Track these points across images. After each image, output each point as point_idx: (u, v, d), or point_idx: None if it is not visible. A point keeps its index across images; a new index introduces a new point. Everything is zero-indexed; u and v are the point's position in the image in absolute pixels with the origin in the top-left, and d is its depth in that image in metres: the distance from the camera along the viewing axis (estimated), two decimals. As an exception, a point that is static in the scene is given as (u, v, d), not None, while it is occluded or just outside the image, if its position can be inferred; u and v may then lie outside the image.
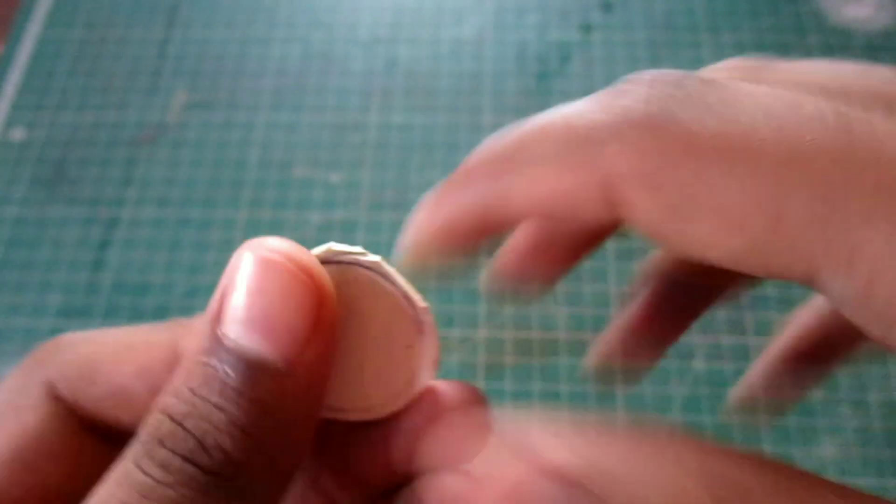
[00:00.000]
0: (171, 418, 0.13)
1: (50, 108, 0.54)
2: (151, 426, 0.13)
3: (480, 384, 0.43)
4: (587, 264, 0.46)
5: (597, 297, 0.45)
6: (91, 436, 0.16)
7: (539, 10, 0.57)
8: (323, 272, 0.14)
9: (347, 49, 0.56)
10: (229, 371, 0.13)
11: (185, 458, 0.13)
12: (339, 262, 0.16)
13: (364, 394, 0.17)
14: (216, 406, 0.13)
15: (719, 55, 0.54)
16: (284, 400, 0.13)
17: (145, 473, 0.13)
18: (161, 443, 0.13)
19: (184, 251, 0.48)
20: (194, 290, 0.47)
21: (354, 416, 0.17)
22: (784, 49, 0.54)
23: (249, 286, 0.14)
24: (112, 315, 0.46)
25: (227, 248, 0.48)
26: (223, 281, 0.14)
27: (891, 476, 0.40)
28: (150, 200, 0.50)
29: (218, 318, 0.13)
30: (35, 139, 0.53)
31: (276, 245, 0.14)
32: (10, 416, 0.16)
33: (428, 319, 0.16)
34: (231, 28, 0.57)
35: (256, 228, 0.48)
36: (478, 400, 0.16)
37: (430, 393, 0.17)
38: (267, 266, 0.14)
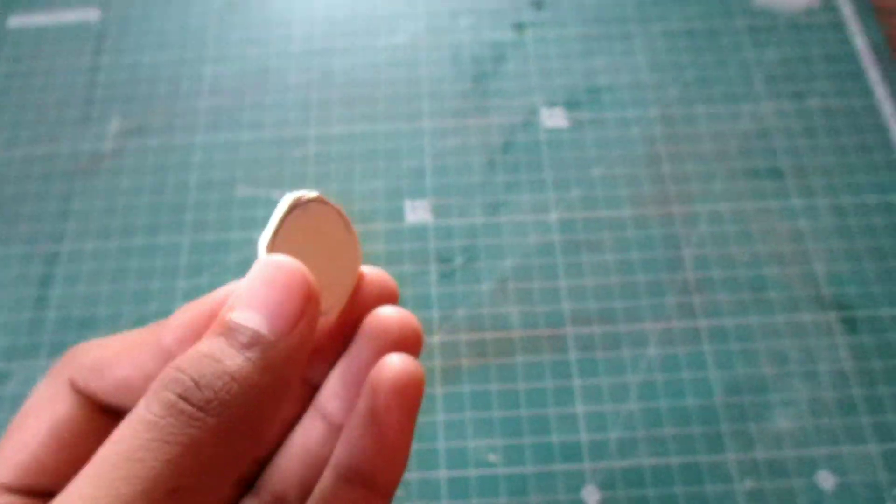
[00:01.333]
0: (178, 369, 0.17)
1: (-24, 146, 0.53)
2: (161, 377, 0.17)
3: (438, 389, 0.43)
4: (536, 261, 0.47)
5: (547, 294, 0.46)
6: (111, 418, 0.20)
7: (471, 12, 0.57)
8: (314, 280, 0.19)
9: (282, 63, 0.55)
10: (232, 340, 0.17)
11: (180, 396, 0.16)
12: (301, 205, 0.21)
13: (324, 299, 0.21)
14: (216, 359, 0.17)
15: (651, 45, 0.55)
16: (270, 363, 0.17)
17: (147, 410, 0.16)
18: (165, 386, 0.16)
19: (128, 280, 0.47)
20: (142, 318, 0.46)
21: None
22: (713, 34, 0.55)
23: (257, 278, 0.18)
24: (58, 352, 0.45)
25: (173, 275, 0.47)
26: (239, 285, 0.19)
27: (845, 443, 0.41)
28: (91, 232, 0.49)
29: (229, 306, 0.18)
30: (-37, 178, 0.51)
31: (286, 257, 0.19)
32: (45, 407, 0.20)
33: (350, 221, 0.23)
34: (162, 50, 0.56)
35: (201, 251, 0.48)
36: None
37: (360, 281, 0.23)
38: (275, 266, 0.19)
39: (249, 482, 0.23)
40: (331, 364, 0.23)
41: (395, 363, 0.21)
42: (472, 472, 0.41)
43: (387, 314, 0.22)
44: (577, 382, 0.43)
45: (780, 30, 0.54)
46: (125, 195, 0.50)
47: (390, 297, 0.23)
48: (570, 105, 0.52)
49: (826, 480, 0.40)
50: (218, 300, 0.20)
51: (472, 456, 0.41)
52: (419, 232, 0.48)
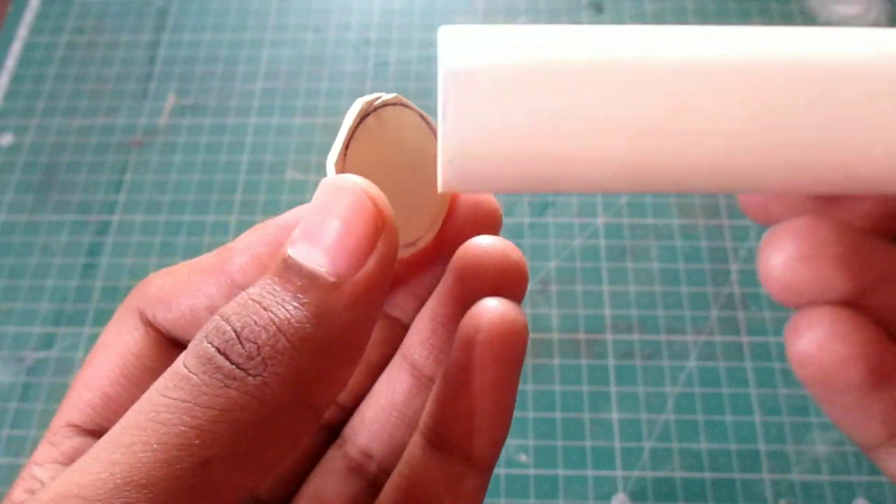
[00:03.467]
0: (222, 316, 0.14)
1: (38, 113, 0.54)
2: (205, 327, 0.15)
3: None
4: (580, 264, 0.46)
5: (589, 298, 0.45)
6: (181, 351, 0.18)
7: (529, 11, 0.57)
8: (387, 205, 0.15)
9: (338, 51, 0.56)
10: (286, 282, 0.14)
11: (219, 350, 0.14)
12: (375, 109, 0.18)
13: (410, 228, 0.18)
14: (263, 306, 0.14)
15: (709, 54, 0.54)
16: (327, 310, 0.14)
17: (183, 362, 0.14)
18: (206, 336, 0.14)
19: (175, 256, 0.48)
20: (186, 294, 0.46)
21: (409, 251, 0.19)
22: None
23: (318, 205, 0.15)
24: (103, 321, 0.45)
25: (219, 252, 0.48)
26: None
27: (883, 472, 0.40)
28: (141, 205, 0.50)
29: (291, 239, 0.15)
30: (23, 144, 0.52)
31: (346, 176, 0.15)
32: (115, 340, 0.19)
33: (434, 124, 0.19)
34: (221, 31, 0.57)
35: (248, 232, 0.48)
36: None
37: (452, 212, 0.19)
38: (336, 189, 0.15)
39: (336, 428, 0.21)
40: (422, 300, 0.20)
41: (493, 309, 0.17)
42: (503, 471, 0.41)
43: (483, 246, 0.18)
44: (613, 389, 0.43)
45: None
46: (177, 171, 0.51)
47: (490, 224, 0.19)
48: (624, 110, 0.52)
49: (864, 508, 0.39)
50: (289, 223, 0.17)
51: (503, 455, 0.41)
52: (464, 227, 0.48)
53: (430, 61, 0.55)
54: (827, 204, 0.15)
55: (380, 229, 0.15)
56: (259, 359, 0.14)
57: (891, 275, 0.14)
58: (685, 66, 0.14)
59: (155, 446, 0.13)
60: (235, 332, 0.14)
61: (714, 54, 0.14)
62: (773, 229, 0.14)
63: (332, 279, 0.14)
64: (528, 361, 0.44)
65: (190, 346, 0.14)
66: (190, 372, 0.14)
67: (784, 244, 0.14)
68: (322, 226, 0.15)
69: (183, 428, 0.13)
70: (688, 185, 0.14)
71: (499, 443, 0.18)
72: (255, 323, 0.14)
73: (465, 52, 0.14)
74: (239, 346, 0.14)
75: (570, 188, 0.15)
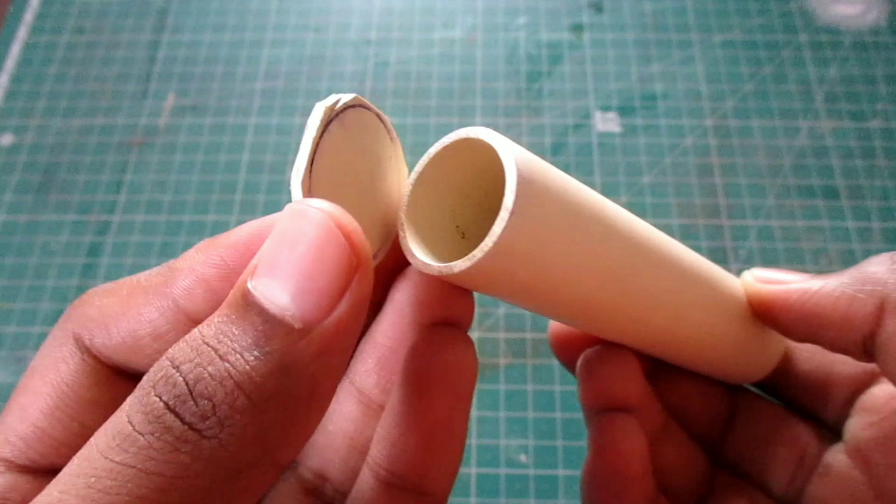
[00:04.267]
0: (172, 363, 0.12)
1: (38, 113, 0.54)
2: (152, 371, 0.13)
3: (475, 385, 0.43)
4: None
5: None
6: (124, 380, 0.17)
7: (529, 11, 0.57)
8: (363, 239, 0.13)
9: (338, 51, 0.56)
10: (247, 324, 0.12)
11: (169, 407, 0.12)
12: (338, 115, 0.16)
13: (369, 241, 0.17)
14: (219, 354, 0.12)
15: (709, 55, 0.54)
16: (293, 362, 0.12)
17: (129, 421, 0.12)
18: (154, 388, 0.12)
19: (175, 255, 0.48)
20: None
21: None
22: (774, 47, 0.54)
23: (283, 235, 0.13)
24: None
25: (219, 252, 0.48)
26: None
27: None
28: (141, 205, 0.50)
29: (251, 270, 0.13)
30: (23, 144, 0.52)
31: (317, 202, 0.13)
32: (50, 368, 0.17)
33: (393, 129, 0.18)
34: (221, 31, 0.57)
35: (248, 232, 0.48)
36: None
37: None
38: (303, 218, 0.13)
39: None
40: (367, 322, 0.18)
41: (441, 340, 0.16)
42: (503, 471, 0.41)
43: (426, 271, 0.16)
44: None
45: (845, 47, 0.53)
46: (177, 171, 0.51)
47: None
48: (624, 110, 0.52)
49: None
50: (238, 242, 0.15)
51: (503, 455, 0.41)
52: (464, 227, 0.48)
53: (430, 61, 0.55)
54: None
55: (354, 268, 0.13)
56: (214, 418, 0.12)
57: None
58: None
59: None
60: (188, 385, 0.12)
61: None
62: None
63: (298, 325, 0.12)
64: (528, 361, 0.44)
65: (135, 397, 0.13)
66: (136, 431, 0.12)
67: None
68: (288, 260, 0.13)
69: (128, 498, 0.11)
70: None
71: (453, 475, 0.17)
72: (211, 376, 0.12)
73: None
74: (192, 402, 0.12)
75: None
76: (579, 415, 0.42)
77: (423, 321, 0.17)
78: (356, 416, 0.18)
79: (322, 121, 0.15)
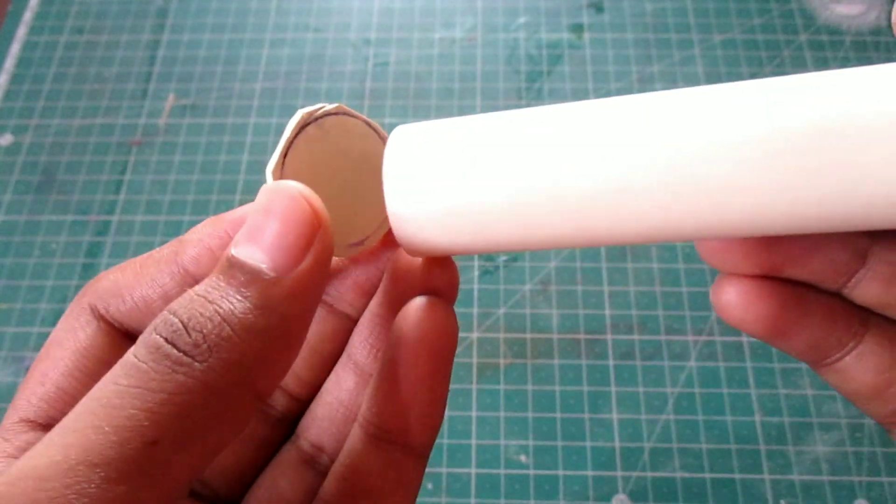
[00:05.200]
0: (169, 310, 0.15)
1: (38, 113, 0.54)
2: (155, 321, 0.15)
3: (474, 385, 0.43)
4: (580, 264, 0.46)
5: (589, 298, 0.45)
6: (133, 343, 0.19)
7: (529, 11, 0.57)
8: (322, 207, 0.17)
9: (338, 51, 0.56)
10: (230, 278, 0.16)
11: (167, 340, 0.15)
12: (316, 119, 0.19)
13: (356, 228, 0.20)
14: (209, 300, 0.15)
15: (710, 55, 0.54)
16: (269, 302, 0.15)
17: (133, 353, 0.15)
18: (154, 329, 0.15)
19: (175, 256, 0.48)
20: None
21: (353, 251, 0.20)
22: (775, 47, 0.54)
23: (258, 208, 0.16)
24: (103, 321, 0.45)
25: (219, 252, 0.48)
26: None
27: (885, 473, 0.40)
28: (141, 205, 0.50)
29: (234, 240, 0.16)
30: (23, 144, 0.52)
31: (284, 182, 0.17)
32: (67, 336, 0.19)
33: (384, 133, 0.20)
34: (221, 31, 0.57)
35: (248, 232, 0.48)
36: None
37: None
38: (274, 192, 0.16)
39: (292, 424, 0.22)
40: (370, 298, 0.21)
41: (420, 307, 0.18)
42: (503, 471, 0.41)
43: None
44: (613, 389, 0.43)
45: (845, 47, 0.53)
46: (177, 171, 0.51)
47: None
48: (624, 110, 0.52)
49: (864, 508, 0.39)
50: (239, 218, 0.19)
51: (503, 455, 0.41)
52: (464, 227, 0.48)
53: (429, 61, 0.55)
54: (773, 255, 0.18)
55: (315, 228, 0.16)
56: (205, 346, 0.15)
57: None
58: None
59: (106, 429, 0.13)
60: (182, 322, 0.15)
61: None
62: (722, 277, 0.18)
63: (272, 274, 0.16)
64: (528, 361, 0.44)
65: (140, 338, 0.15)
66: (139, 361, 0.14)
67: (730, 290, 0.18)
68: (262, 227, 0.16)
69: (133, 411, 0.14)
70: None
71: (434, 430, 0.19)
72: (201, 314, 0.15)
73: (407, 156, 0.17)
74: (186, 335, 0.15)
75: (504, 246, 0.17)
76: (579, 415, 0.42)
77: (410, 292, 0.19)
78: (352, 387, 0.21)
79: (298, 123, 0.18)
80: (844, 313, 0.18)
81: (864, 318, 0.18)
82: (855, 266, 0.18)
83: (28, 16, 0.58)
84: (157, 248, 0.20)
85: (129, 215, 0.49)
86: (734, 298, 0.18)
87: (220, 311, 0.15)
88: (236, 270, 0.16)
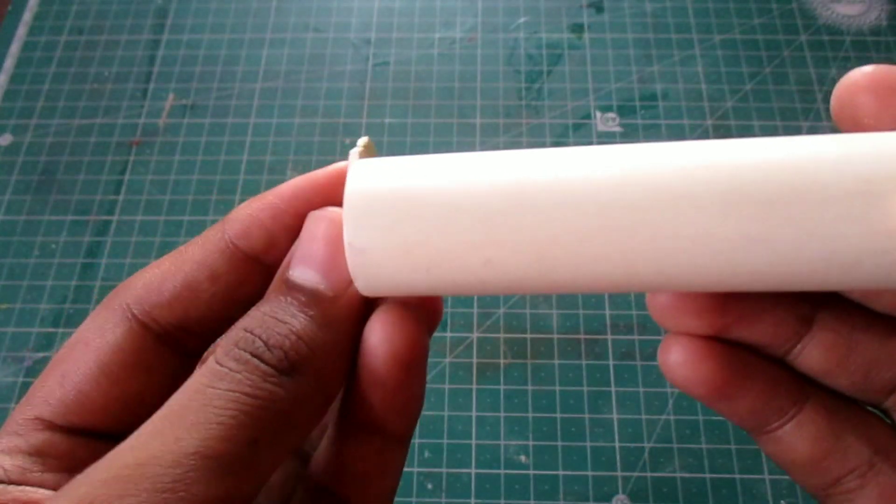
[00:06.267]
0: (245, 329, 0.17)
1: (37, 113, 0.54)
2: (229, 336, 0.17)
3: (475, 385, 0.43)
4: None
5: (589, 298, 0.45)
6: (165, 350, 0.19)
7: (530, 11, 0.57)
8: None
9: (338, 51, 0.56)
10: (293, 299, 0.17)
11: (253, 354, 0.16)
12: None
13: None
14: (280, 320, 0.17)
15: (710, 55, 0.54)
16: (331, 320, 0.17)
17: (221, 365, 0.16)
18: (236, 344, 0.16)
19: (174, 256, 0.48)
20: (185, 294, 0.46)
21: None
22: (775, 47, 0.54)
23: (306, 234, 0.18)
24: (102, 321, 0.45)
25: (218, 252, 0.48)
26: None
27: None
28: (140, 205, 0.50)
29: (286, 265, 0.18)
30: (22, 144, 0.52)
31: (328, 209, 0.18)
32: (95, 335, 0.19)
33: None
34: (221, 31, 0.57)
35: (247, 232, 0.48)
36: None
37: None
38: (317, 218, 0.18)
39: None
40: None
41: (387, 322, 0.19)
42: (503, 472, 0.41)
43: None
44: (613, 389, 0.43)
45: (845, 47, 0.53)
46: (176, 171, 0.51)
47: None
48: (624, 110, 0.52)
49: (864, 509, 0.39)
50: (285, 193, 0.19)
51: (503, 455, 0.41)
52: (464, 227, 0.48)
53: (430, 61, 0.55)
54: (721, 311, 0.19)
55: None
56: (286, 362, 0.16)
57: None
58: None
59: (213, 426, 0.15)
60: (262, 340, 0.16)
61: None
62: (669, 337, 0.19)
63: (330, 294, 0.17)
64: (528, 361, 0.44)
65: (221, 350, 0.16)
66: (231, 371, 0.16)
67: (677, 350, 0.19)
68: (313, 251, 0.18)
69: (235, 412, 0.15)
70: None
71: (414, 418, 0.20)
72: (278, 333, 0.16)
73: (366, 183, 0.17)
74: (268, 351, 0.16)
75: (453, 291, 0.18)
76: (579, 415, 0.42)
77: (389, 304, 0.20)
78: None
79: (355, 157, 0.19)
80: (787, 380, 0.19)
81: (805, 388, 0.19)
82: (801, 331, 0.18)
83: (28, 16, 0.58)
84: (190, 241, 0.20)
85: (128, 215, 0.49)
86: (681, 358, 0.18)
87: (294, 329, 0.17)
88: (297, 292, 0.17)
